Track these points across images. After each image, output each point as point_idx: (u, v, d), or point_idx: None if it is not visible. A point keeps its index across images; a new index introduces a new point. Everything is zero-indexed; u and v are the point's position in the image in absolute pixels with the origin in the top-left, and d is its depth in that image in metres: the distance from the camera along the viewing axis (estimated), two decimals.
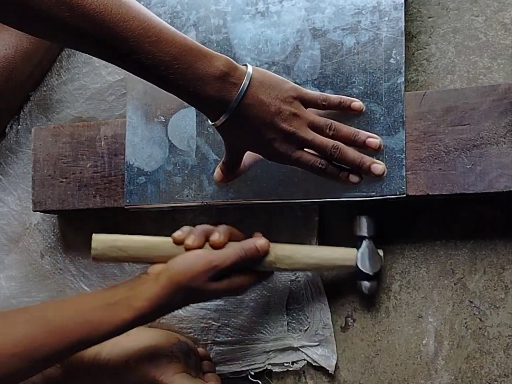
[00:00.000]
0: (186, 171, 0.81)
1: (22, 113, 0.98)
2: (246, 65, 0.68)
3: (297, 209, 0.81)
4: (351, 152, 0.72)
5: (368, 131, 0.73)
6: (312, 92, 0.72)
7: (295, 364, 0.82)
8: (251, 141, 0.71)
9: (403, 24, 0.73)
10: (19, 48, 0.90)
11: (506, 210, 0.74)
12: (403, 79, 0.72)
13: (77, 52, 0.94)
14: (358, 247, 0.74)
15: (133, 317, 0.68)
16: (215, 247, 0.72)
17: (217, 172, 0.78)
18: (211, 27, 0.81)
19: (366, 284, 0.74)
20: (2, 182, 0.99)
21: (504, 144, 0.69)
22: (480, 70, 0.76)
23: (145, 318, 0.69)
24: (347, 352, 0.80)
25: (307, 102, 0.71)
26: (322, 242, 0.81)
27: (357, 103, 0.73)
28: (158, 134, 0.83)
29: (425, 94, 0.73)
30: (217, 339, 0.85)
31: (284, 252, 0.73)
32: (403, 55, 0.73)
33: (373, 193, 0.73)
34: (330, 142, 0.71)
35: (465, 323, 0.75)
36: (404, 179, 0.72)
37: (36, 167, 0.91)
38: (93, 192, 0.87)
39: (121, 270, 0.90)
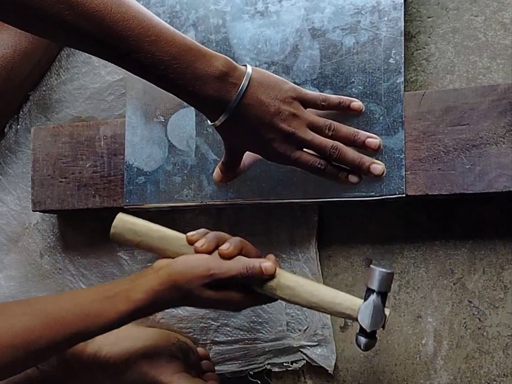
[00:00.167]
0: (185, 171, 0.81)
1: (21, 112, 0.98)
2: (245, 65, 0.68)
3: (297, 209, 0.81)
4: (351, 152, 0.72)
5: (368, 131, 0.73)
6: (311, 92, 0.72)
7: (294, 364, 0.82)
8: (250, 141, 0.71)
9: (403, 24, 0.73)
10: (18, 48, 0.90)
11: (505, 210, 0.74)
12: (402, 79, 0.72)
13: (77, 51, 0.94)
14: (364, 299, 0.68)
15: (130, 309, 0.68)
16: (222, 257, 0.70)
17: (217, 172, 0.78)
18: (210, 26, 0.81)
19: (362, 339, 0.68)
20: (1, 181, 0.99)
21: (503, 144, 0.69)
22: (480, 70, 0.76)
23: (142, 311, 0.69)
24: (346, 352, 0.80)
25: (306, 102, 0.71)
26: (322, 242, 0.81)
27: (356, 103, 0.73)
28: (157, 134, 0.83)
29: (424, 94, 0.73)
30: (216, 338, 0.85)
31: (288, 281, 0.70)
32: (403, 55, 0.73)
33: (373, 193, 0.73)
34: (329, 142, 0.71)
35: (464, 323, 0.75)
36: (404, 179, 0.72)
37: (35, 167, 0.91)
38: (93, 192, 0.87)
39: (121, 270, 0.90)
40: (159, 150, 0.83)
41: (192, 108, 0.80)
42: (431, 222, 0.77)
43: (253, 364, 0.83)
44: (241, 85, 0.66)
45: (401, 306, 0.78)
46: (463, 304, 0.75)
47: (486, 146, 0.69)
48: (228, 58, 0.67)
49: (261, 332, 0.83)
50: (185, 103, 0.75)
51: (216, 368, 0.84)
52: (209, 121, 0.69)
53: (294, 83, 0.72)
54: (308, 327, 0.81)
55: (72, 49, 0.94)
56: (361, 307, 0.67)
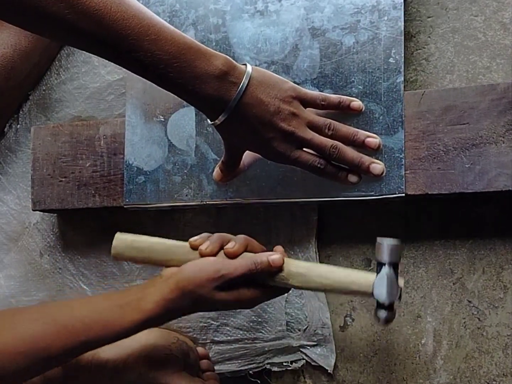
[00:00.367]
0: (185, 171, 0.81)
1: (21, 112, 0.98)
2: (245, 64, 0.68)
3: (296, 209, 0.81)
4: (350, 152, 0.71)
5: (367, 131, 0.73)
6: (311, 91, 0.72)
7: (294, 363, 0.82)
8: (250, 141, 0.71)
9: (403, 23, 0.73)
10: (18, 47, 0.90)
11: (505, 209, 0.74)
12: (402, 79, 0.73)
13: (76, 51, 0.94)
14: (376, 273, 0.67)
15: (142, 319, 0.67)
16: (229, 256, 0.69)
17: (216, 172, 0.78)
18: (210, 26, 0.81)
19: (381, 314, 0.66)
20: (1, 181, 0.99)
21: (503, 143, 0.69)
22: (479, 70, 0.76)
23: (153, 320, 0.68)
24: (346, 352, 0.80)
25: (306, 102, 0.71)
26: (321, 241, 0.81)
27: (356, 103, 0.73)
28: (157, 134, 0.83)
29: (424, 93, 0.73)
30: (216, 338, 0.85)
31: (299, 269, 0.70)
32: (402, 55, 0.73)
33: (372, 193, 0.73)
34: (329, 141, 0.70)
35: (464, 322, 0.75)
36: (403, 179, 0.72)
37: (35, 166, 0.91)
38: (93, 192, 0.87)
39: (120, 270, 0.90)
40: (159, 150, 0.83)
41: (192, 108, 0.80)
42: (431, 222, 0.77)
43: (253, 363, 0.83)
44: (241, 84, 0.66)
45: (401, 306, 0.78)
46: (462, 304, 0.75)
47: (486, 145, 0.69)
48: (228, 57, 0.66)
49: (261, 332, 0.83)
50: (185, 103, 0.75)
51: (215, 367, 0.84)
52: (209, 120, 0.69)
53: (294, 82, 0.72)
54: (307, 326, 0.81)
55: (72, 49, 0.95)
56: (375, 282, 0.66)
